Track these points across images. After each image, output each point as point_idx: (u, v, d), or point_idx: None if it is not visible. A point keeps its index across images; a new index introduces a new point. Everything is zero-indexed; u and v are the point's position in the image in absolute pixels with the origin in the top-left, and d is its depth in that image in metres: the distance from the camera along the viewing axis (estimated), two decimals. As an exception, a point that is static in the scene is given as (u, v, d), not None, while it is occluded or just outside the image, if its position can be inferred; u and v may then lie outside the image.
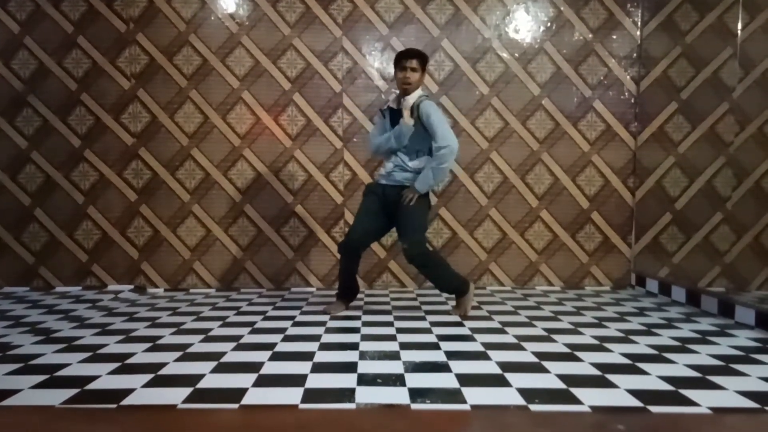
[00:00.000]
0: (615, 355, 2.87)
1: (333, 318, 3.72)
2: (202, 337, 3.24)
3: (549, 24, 4.82)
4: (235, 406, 2.18)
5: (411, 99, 3.72)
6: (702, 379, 2.50)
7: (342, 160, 4.82)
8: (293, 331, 3.38)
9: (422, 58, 3.76)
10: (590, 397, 2.26)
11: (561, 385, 2.41)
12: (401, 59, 3.74)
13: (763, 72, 3.72)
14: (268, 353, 2.89)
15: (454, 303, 3.94)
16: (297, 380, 2.46)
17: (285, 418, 2.11)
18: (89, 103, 4.75)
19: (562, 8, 4.81)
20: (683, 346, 3.06)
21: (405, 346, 3.02)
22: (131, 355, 2.87)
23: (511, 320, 3.67)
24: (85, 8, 4.71)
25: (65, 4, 4.70)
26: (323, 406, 2.18)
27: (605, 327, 3.49)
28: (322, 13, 4.75)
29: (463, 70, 4.82)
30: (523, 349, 2.98)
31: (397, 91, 3.88)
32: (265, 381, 2.47)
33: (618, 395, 2.30)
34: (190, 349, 2.97)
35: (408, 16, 4.78)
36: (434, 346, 3.01)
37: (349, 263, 3.86)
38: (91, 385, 2.41)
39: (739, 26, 3.80)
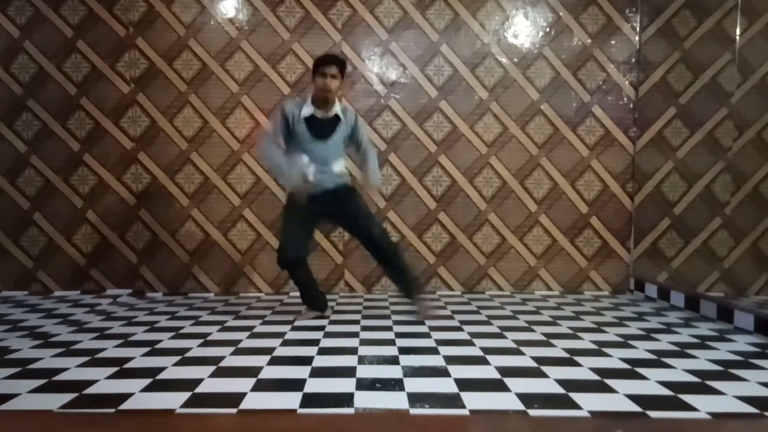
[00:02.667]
0: (614, 360, 2.87)
1: (332, 323, 3.72)
2: (200, 341, 3.24)
3: (548, 29, 4.84)
4: (234, 410, 2.18)
5: (338, 109, 3.75)
6: (701, 384, 2.50)
7: (341, 165, 4.82)
8: (292, 335, 3.38)
9: (342, 65, 3.67)
10: (589, 402, 2.26)
11: (560, 390, 2.41)
12: (320, 66, 3.62)
13: (762, 77, 3.73)
14: (267, 358, 2.88)
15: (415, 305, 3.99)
16: (295, 385, 2.46)
17: (283, 423, 2.11)
18: (88, 107, 4.75)
19: (561, 13, 4.82)
20: (682, 351, 3.06)
21: (404, 350, 3.02)
22: (130, 359, 2.86)
23: (510, 325, 3.67)
24: (85, 12, 4.71)
25: (65, 8, 4.71)
26: (322, 411, 2.18)
27: (604, 332, 3.49)
28: (322, 17, 4.76)
29: (462, 74, 4.82)
30: (522, 353, 2.97)
31: (298, 98, 3.87)
32: (263, 386, 2.46)
33: (617, 400, 2.30)
34: (188, 354, 2.97)
35: (407, 21, 4.79)
36: (433, 351, 3.01)
37: (300, 274, 3.83)
38: (90, 390, 2.41)
39: (738, 32, 3.82)
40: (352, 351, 3.01)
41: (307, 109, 3.70)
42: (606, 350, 3.05)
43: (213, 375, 2.61)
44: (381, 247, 3.86)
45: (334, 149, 3.77)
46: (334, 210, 3.80)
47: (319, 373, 2.64)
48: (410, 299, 3.97)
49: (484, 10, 4.81)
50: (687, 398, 2.31)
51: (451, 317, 3.89)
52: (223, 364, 2.79)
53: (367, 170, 3.81)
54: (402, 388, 2.41)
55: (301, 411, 2.17)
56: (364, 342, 3.20)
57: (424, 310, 3.90)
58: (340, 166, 3.81)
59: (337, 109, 3.74)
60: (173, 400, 2.27)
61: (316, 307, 3.89)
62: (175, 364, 2.78)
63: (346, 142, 3.85)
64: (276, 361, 2.84)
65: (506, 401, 2.28)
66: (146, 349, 3.05)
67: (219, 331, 3.51)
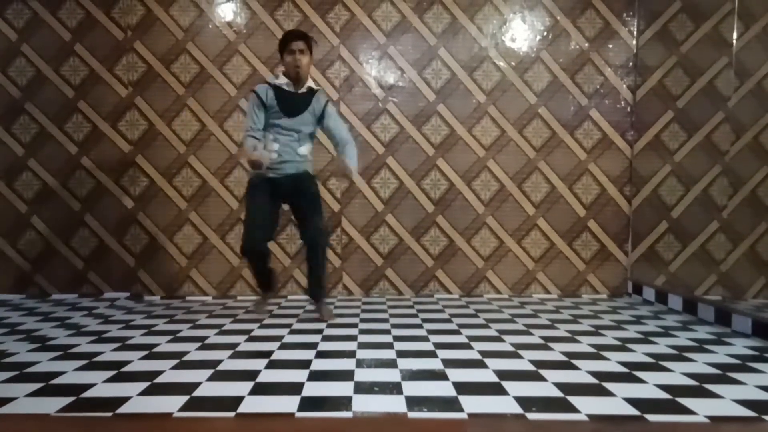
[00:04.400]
0: (612, 363, 2.87)
1: (331, 326, 3.71)
2: (198, 344, 3.23)
3: (545, 33, 4.85)
4: (232, 414, 2.18)
5: (312, 84, 3.77)
6: (699, 388, 2.50)
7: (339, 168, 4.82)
8: (290, 339, 3.38)
9: (308, 40, 3.67)
10: (587, 406, 2.26)
11: (558, 393, 2.41)
12: (288, 42, 3.62)
13: (759, 81, 3.74)
14: (265, 361, 2.88)
15: (315, 308, 4.03)
16: (293, 388, 2.45)
17: (281, 427, 2.10)
18: (86, 110, 4.75)
19: (558, 17, 4.83)
20: (680, 354, 3.06)
21: (402, 354, 3.01)
22: (127, 362, 2.86)
23: (508, 328, 3.67)
24: (83, 16, 4.72)
25: (63, 11, 4.71)
26: (320, 415, 2.17)
27: (602, 335, 3.49)
28: (320, 21, 4.76)
29: (459, 78, 4.83)
30: (520, 357, 2.98)
31: (277, 75, 3.79)
32: (261, 389, 2.46)
33: (615, 403, 2.30)
34: (186, 357, 2.96)
35: (405, 24, 4.80)
36: (431, 354, 3.00)
37: (261, 263, 3.95)
38: (87, 393, 2.40)
39: (734, 36, 3.83)
40: (350, 354, 3.00)
41: (280, 80, 3.73)
42: (604, 353, 3.05)
43: (211, 378, 2.61)
44: (313, 241, 3.82)
45: (303, 128, 3.76)
46: (288, 191, 3.82)
47: (317, 376, 2.63)
48: (313, 300, 4.02)
49: (481, 13, 4.83)
50: (685, 402, 2.32)
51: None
52: (220, 367, 2.79)
53: (344, 155, 3.74)
54: (400, 392, 2.40)
55: (299, 415, 2.17)
56: (362, 345, 3.20)
57: (326, 313, 3.93)
58: (305, 149, 3.82)
59: (310, 83, 3.75)
60: (171, 404, 2.26)
61: (268, 288, 4.10)
62: (173, 368, 2.77)
63: (315, 125, 3.82)
64: (274, 364, 2.84)
65: (504, 404, 2.27)
66: (144, 353, 3.05)
67: (217, 334, 3.50)
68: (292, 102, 3.71)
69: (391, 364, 2.83)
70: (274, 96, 3.71)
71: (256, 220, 3.76)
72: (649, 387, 2.50)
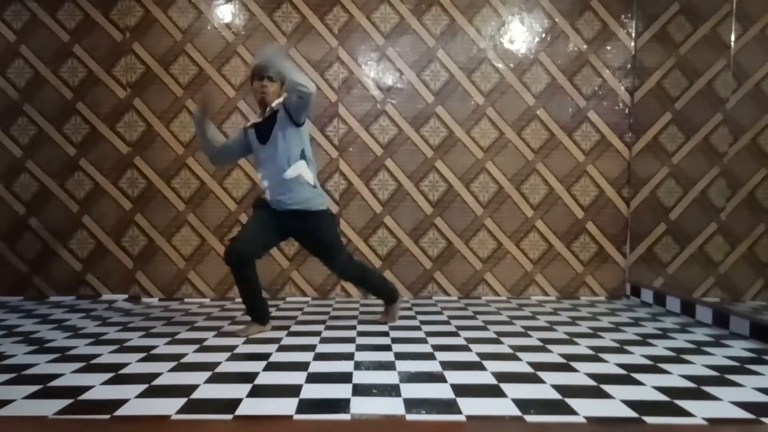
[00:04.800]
0: (610, 365, 2.87)
1: (329, 328, 3.71)
2: (196, 347, 3.23)
3: (544, 35, 4.85)
4: (230, 416, 2.17)
5: (274, 104, 3.52)
6: (697, 390, 2.50)
7: (338, 170, 4.82)
8: (288, 341, 3.37)
9: (274, 69, 3.46)
10: (585, 408, 2.26)
11: (556, 395, 2.41)
12: (256, 72, 3.49)
13: (757, 83, 3.74)
14: (263, 363, 2.88)
15: (383, 311, 4.01)
16: (292, 391, 2.45)
17: (279, 429, 2.10)
18: (85, 112, 4.75)
19: (556, 19, 4.84)
20: (678, 356, 3.06)
21: (400, 356, 3.01)
22: (125, 365, 2.85)
23: (507, 330, 3.67)
24: (82, 17, 4.71)
25: (61, 13, 4.71)
26: (318, 417, 2.17)
27: (600, 337, 3.49)
28: (318, 23, 4.76)
29: (458, 80, 4.84)
30: (518, 359, 2.97)
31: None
32: (259, 391, 2.46)
33: (613, 406, 2.30)
34: (184, 360, 2.96)
35: (404, 26, 4.80)
36: (430, 357, 3.00)
37: (244, 277, 3.51)
38: (85, 396, 2.40)
39: (733, 38, 3.83)
40: (349, 356, 3.00)
41: (252, 119, 3.67)
42: (602, 356, 3.05)
43: (209, 381, 2.60)
44: (344, 277, 4.01)
45: (282, 150, 3.46)
46: (295, 232, 3.65)
47: (315, 378, 2.63)
48: (384, 303, 3.97)
49: (480, 15, 4.83)
50: (683, 404, 2.32)
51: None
52: (219, 369, 2.78)
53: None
54: (398, 394, 2.40)
55: (297, 417, 2.17)
56: (361, 347, 3.20)
57: (392, 316, 3.93)
58: (294, 170, 3.47)
59: (273, 104, 3.53)
60: (169, 406, 2.26)
61: (258, 320, 3.60)
62: (171, 370, 2.77)
63: (295, 139, 3.48)
64: (272, 366, 2.83)
65: (503, 407, 2.27)
66: (142, 355, 3.04)
67: (215, 336, 3.50)
68: (263, 129, 3.53)
69: (389, 366, 2.83)
70: (254, 131, 3.59)
71: (244, 232, 3.57)
72: (648, 389, 2.50)
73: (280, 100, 3.52)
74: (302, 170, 3.51)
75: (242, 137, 3.68)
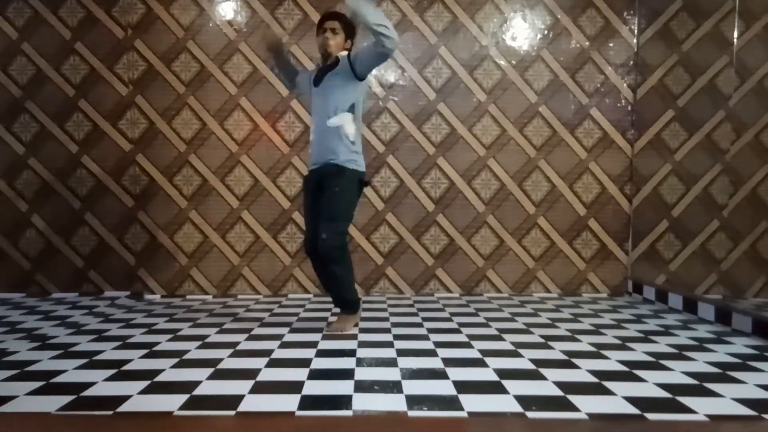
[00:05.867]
0: (612, 362, 2.87)
1: (328, 325, 3.71)
2: (198, 343, 3.23)
3: (546, 32, 4.84)
4: (232, 413, 2.18)
5: (339, 54, 3.47)
6: (699, 387, 2.50)
7: (339, 167, 4.82)
8: (290, 337, 3.38)
9: (344, 20, 3.48)
10: (587, 405, 2.26)
11: (558, 392, 2.41)
12: (320, 23, 3.51)
13: (759, 80, 3.73)
14: (265, 360, 2.88)
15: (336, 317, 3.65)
16: (294, 387, 2.45)
17: (281, 426, 2.11)
18: (87, 109, 4.75)
19: (559, 16, 4.83)
20: (680, 353, 3.06)
21: (402, 353, 3.02)
22: (128, 361, 2.86)
23: (509, 327, 3.67)
24: (84, 14, 4.71)
25: (63, 10, 4.71)
26: (320, 414, 2.18)
27: (602, 334, 3.50)
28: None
29: (460, 77, 4.83)
30: (520, 356, 2.98)
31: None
32: (261, 388, 2.46)
33: (615, 402, 2.30)
34: (186, 356, 2.97)
35: (406, 23, 4.80)
36: (431, 353, 3.01)
37: (319, 263, 3.51)
38: (88, 392, 2.40)
39: (735, 34, 3.82)
40: (351, 353, 3.01)
41: (315, 67, 3.67)
42: (604, 352, 3.05)
43: (211, 377, 2.61)
44: (311, 248, 3.49)
45: (330, 96, 3.42)
46: (319, 187, 3.47)
47: (317, 375, 2.64)
48: (342, 311, 3.62)
49: (482, 12, 4.82)
50: (685, 400, 2.32)
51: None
52: (221, 366, 2.79)
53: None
54: (400, 391, 2.41)
55: (299, 413, 2.17)
56: (363, 344, 3.20)
57: (342, 326, 3.51)
58: (338, 119, 3.39)
59: (338, 54, 3.49)
60: (171, 403, 2.27)
61: (351, 309, 3.53)
62: (174, 367, 2.77)
63: (350, 89, 3.42)
64: (274, 363, 2.84)
65: (504, 403, 2.28)
66: (144, 351, 3.05)
67: (217, 333, 3.50)
68: (320, 74, 3.53)
69: (391, 362, 2.83)
70: (313, 74, 3.62)
71: (305, 222, 3.63)
72: (650, 386, 2.50)
73: (344, 52, 3.49)
74: (345, 122, 3.42)
75: (307, 75, 3.71)
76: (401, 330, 3.56)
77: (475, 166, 4.87)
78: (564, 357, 2.96)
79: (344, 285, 3.53)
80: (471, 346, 3.16)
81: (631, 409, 2.22)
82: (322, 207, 3.42)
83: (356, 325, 3.63)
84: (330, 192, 3.39)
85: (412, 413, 2.17)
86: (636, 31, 4.85)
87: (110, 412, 2.18)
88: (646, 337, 3.42)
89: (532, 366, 2.79)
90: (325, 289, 3.83)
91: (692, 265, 4.28)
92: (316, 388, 2.45)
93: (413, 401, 2.28)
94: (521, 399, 2.31)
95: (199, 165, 4.79)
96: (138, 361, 2.87)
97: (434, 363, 2.83)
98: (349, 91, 3.43)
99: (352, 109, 3.44)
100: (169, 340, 3.33)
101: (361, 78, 3.43)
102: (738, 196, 3.90)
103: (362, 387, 2.45)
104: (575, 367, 2.79)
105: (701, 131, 4.22)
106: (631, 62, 4.87)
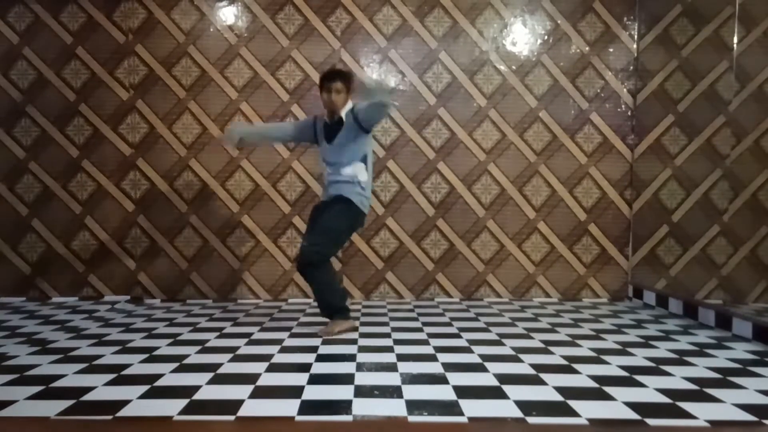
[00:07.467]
0: (612, 367, 2.87)
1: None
2: (198, 348, 3.23)
3: (546, 37, 4.85)
4: (232, 417, 2.18)
5: (343, 113, 3.70)
6: (699, 392, 2.50)
7: (340, 172, 4.82)
8: (290, 342, 3.38)
9: (345, 78, 3.72)
10: (588, 410, 2.25)
11: (558, 397, 2.41)
12: (324, 81, 3.71)
13: (759, 85, 3.74)
14: (265, 364, 2.88)
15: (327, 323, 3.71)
16: (293, 392, 2.45)
17: (281, 430, 2.10)
18: (88, 113, 4.75)
19: (559, 21, 4.84)
20: (681, 358, 3.06)
21: (402, 357, 3.01)
22: (127, 366, 2.86)
23: (509, 332, 3.67)
24: (85, 19, 4.72)
25: (64, 15, 4.72)
26: (320, 418, 2.17)
27: (603, 339, 3.49)
28: (321, 25, 4.77)
29: (460, 82, 4.84)
30: (520, 361, 2.97)
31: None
32: (261, 392, 2.46)
33: (615, 408, 2.30)
34: (186, 361, 2.96)
35: (406, 28, 4.81)
36: (432, 358, 3.00)
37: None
38: (87, 396, 2.40)
39: (735, 40, 3.83)
40: (351, 358, 3.00)
41: (323, 118, 3.83)
42: (604, 358, 3.05)
43: (211, 382, 2.60)
44: (298, 255, 3.81)
45: (343, 151, 3.68)
46: (323, 209, 3.78)
47: (317, 380, 2.63)
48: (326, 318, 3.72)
49: (482, 17, 4.83)
50: (685, 406, 2.31)
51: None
52: (221, 370, 2.79)
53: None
54: (400, 395, 2.40)
55: (299, 418, 2.17)
56: (363, 349, 3.20)
57: (331, 330, 3.57)
58: (351, 169, 3.67)
59: (342, 113, 3.71)
60: (171, 407, 2.26)
61: (339, 316, 3.66)
62: (173, 371, 2.77)
63: (361, 143, 3.68)
64: (274, 368, 2.84)
65: (505, 408, 2.27)
66: (144, 356, 3.04)
67: (217, 337, 3.50)
68: (330, 130, 3.75)
69: (391, 367, 2.83)
70: (322, 127, 3.81)
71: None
72: (650, 391, 2.50)
73: (348, 108, 3.71)
74: (359, 171, 3.70)
75: (311, 125, 3.90)
76: (401, 335, 3.56)
77: (475, 170, 4.87)
78: (564, 362, 2.96)
79: (325, 291, 3.68)
80: (471, 351, 3.16)
81: (632, 415, 2.22)
82: (319, 221, 3.71)
83: (355, 329, 3.70)
84: (330, 210, 3.69)
85: (412, 418, 2.17)
86: (636, 37, 4.86)
87: (110, 417, 2.18)
88: (646, 342, 3.41)
89: (532, 371, 2.79)
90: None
91: (692, 270, 4.28)
92: (315, 392, 2.45)
93: (413, 406, 2.28)
94: (521, 404, 2.31)
95: (200, 169, 4.80)
96: (138, 366, 2.87)
97: (434, 368, 2.82)
98: (360, 144, 3.70)
99: (364, 159, 3.73)
100: (169, 344, 3.32)
101: (368, 132, 3.71)
102: (738, 201, 3.90)
103: (362, 392, 2.45)
104: (576, 372, 2.78)
105: (701, 136, 4.23)
106: (631, 67, 4.88)
